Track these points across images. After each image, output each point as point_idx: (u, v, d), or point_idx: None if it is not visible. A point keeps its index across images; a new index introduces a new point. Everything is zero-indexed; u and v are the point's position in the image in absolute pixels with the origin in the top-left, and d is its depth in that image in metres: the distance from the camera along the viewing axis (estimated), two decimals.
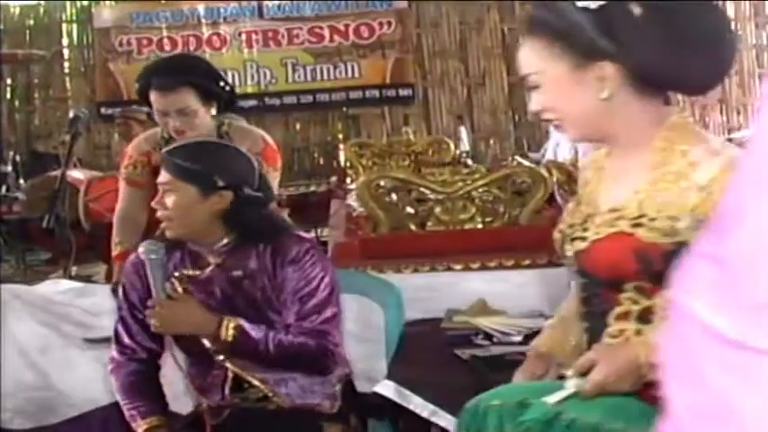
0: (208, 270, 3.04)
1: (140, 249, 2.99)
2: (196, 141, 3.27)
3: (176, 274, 3.05)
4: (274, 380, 3.08)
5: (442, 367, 3.26)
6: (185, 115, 3.93)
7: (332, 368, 3.12)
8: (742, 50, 10.47)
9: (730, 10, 10.42)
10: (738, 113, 10.50)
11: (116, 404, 3.73)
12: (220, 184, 2.95)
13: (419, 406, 3.04)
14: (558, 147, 5.82)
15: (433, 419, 3.04)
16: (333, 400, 3.17)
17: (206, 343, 2.98)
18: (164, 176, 2.97)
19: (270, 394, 3.07)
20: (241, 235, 3.02)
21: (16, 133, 10.71)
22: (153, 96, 3.97)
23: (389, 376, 3.14)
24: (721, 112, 10.53)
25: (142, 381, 3.14)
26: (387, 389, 3.07)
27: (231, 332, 2.91)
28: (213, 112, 4.03)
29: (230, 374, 3.06)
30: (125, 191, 4.19)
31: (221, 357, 3.02)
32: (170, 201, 2.95)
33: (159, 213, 3.02)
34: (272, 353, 2.97)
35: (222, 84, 4.05)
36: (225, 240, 3.02)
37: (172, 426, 3.11)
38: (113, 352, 3.16)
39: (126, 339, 3.13)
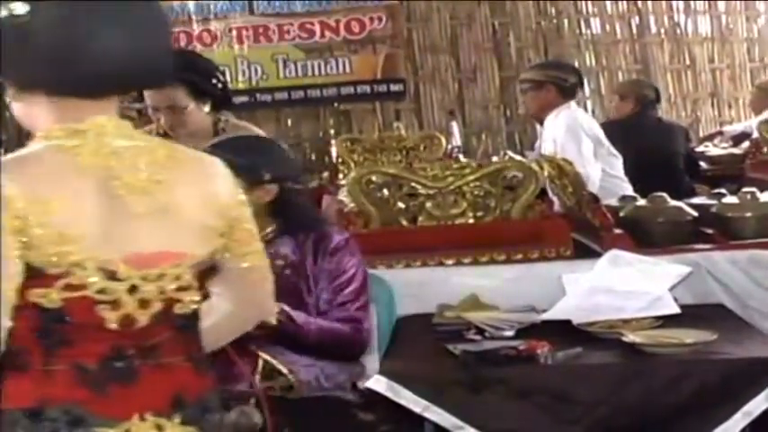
0: None
1: None
2: (237, 137, 3.40)
3: None
4: (303, 366, 3.12)
5: (433, 362, 3.27)
6: (175, 112, 3.94)
7: (362, 354, 3.21)
8: (733, 44, 10.49)
9: (722, 4, 10.44)
10: (730, 107, 10.48)
11: None
12: (266, 177, 3.04)
13: (411, 401, 3.05)
14: (545, 144, 5.82)
15: (425, 414, 3.04)
16: (349, 391, 3.23)
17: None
18: None
19: (295, 384, 3.11)
20: (284, 225, 3.12)
21: (8, 130, 10.65)
22: (144, 92, 3.98)
23: (381, 371, 3.15)
24: (713, 106, 10.51)
25: None
26: (379, 384, 3.07)
27: (276, 317, 2.97)
28: (206, 109, 4.02)
29: (260, 362, 3.11)
30: None
31: (253, 346, 3.06)
32: None
33: None
34: (313, 337, 3.07)
35: (215, 81, 4.04)
36: (268, 230, 3.10)
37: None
38: None
39: None
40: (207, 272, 2.05)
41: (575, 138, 5.61)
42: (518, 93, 9.83)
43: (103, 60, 1.91)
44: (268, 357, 3.12)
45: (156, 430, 1.93)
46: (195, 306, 2.01)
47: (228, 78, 9.90)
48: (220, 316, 2.19)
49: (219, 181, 2.07)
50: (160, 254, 1.93)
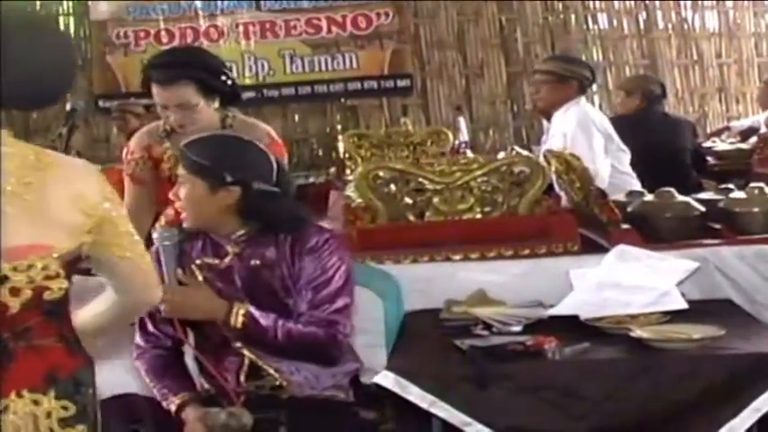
0: (227, 259, 3.09)
1: (154, 235, 3.06)
2: (211, 135, 3.33)
3: (197, 262, 3.10)
4: (288, 368, 3.11)
5: (441, 358, 3.27)
6: (185, 109, 3.94)
7: (339, 359, 3.15)
8: (741, 39, 10.47)
9: None
10: (737, 102, 10.48)
11: (115, 397, 3.74)
12: (228, 179, 3.01)
13: (418, 396, 3.05)
14: (553, 139, 5.80)
15: (432, 410, 3.04)
16: (344, 391, 3.21)
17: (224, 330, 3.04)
18: (180, 169, 3.10)
19: (284, 383, 3.10)
20: (259, 226, 3.08)
21: (14, 127, 10.67)
22: (154, 89, 3.99)
23: (389, 367, 3.14)
24: (720, 101, 10.50)
25: (169, 363, 3.23)
26: (386, 379, 3.07)
27: (241, 319, 2.98)
28: (215, 105, 4.02)
29: (246, 361, 3.11)
30: (130, 188, 4.23)
31: (239, 344, 3.06)
32: (182, 193, 3.07)
33: (176, 204, 3.08)
34: (281, 340, 3.02)
35: (224, 78, 4.04)
36: (242, 231, 3.10)
37: (202, 399, 3.15)
38: (138, 339, 3.22)
39: (150, 327, 3.19)
40: (75, 261, 2.25)
41: (586, 133, 5.59)
42: (525, 87, 9.89)
43: None
44: (252, 357, 3.11)
45: (33, 405, 2.16)
46: (63, 293, 2.20)
47: (235, 74, 9.92)
48: (110, 302, 2.45)
49: (86, 182, 2.25)
50: (29, 247, 2.13)
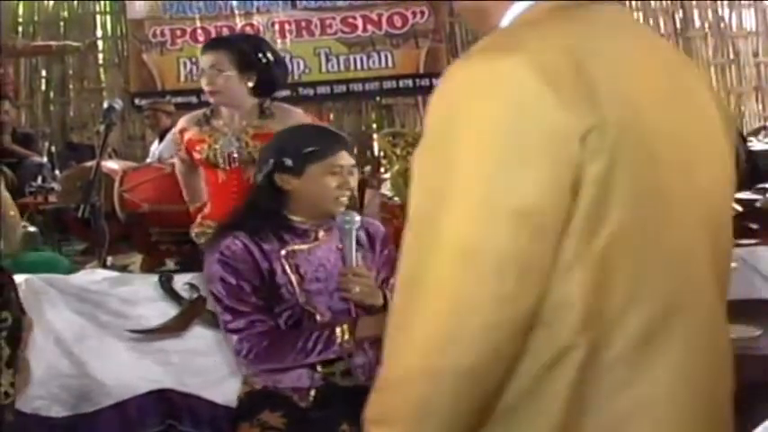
0: (314, 243, 3.14)
1: (338, 219, 3.10)
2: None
3: (286, 250, 3.12)
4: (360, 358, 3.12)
5: None
6: (217, 74, 4.03)
7: None
8: None
9: None
10: None
11: (151, 392, 3.77)
12: None
13: None
14: None
15: None
16: None
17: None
18: (347, 159, 3.20)
19: (351, 368, 3.11)
20: None
21: (51, 124, 10.77)
22: (200, 56, 4.27)
23: None
24: (757, 100, 10.44)
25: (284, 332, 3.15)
26: None
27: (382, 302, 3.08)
28: (250, 84, 4.08)
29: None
30: (176, 160, 4.52)
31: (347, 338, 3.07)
32: (353, 181, 3.21)
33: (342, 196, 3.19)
34: None
35: (260, 55, 4.12)
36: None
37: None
38: (239, 333, 3.11)
39: (254, 314, 3.08)
40: None
41: None
42: None
43: None
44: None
45: None
46: None
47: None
48: None
49: None
50: None
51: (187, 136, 4.17)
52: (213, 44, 4.30)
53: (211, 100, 4.12)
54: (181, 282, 3.87)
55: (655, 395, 1.39)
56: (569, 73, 1.29)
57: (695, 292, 1.44)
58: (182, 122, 4.28)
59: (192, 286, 3.79)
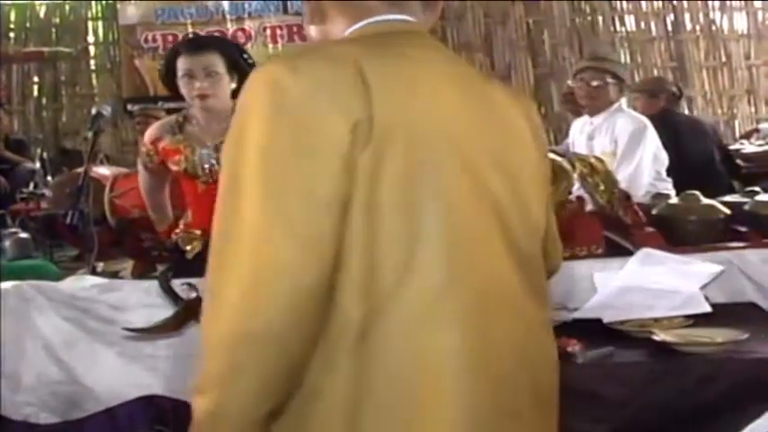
0: None
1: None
2: None
3: None
4: None
5: None
6: (211, 76, 4.02)
7: None
8: None
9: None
10: (766, 104, 10.43)
11: (141, 399, 3.76)
12: None
13: None
14: (573, 145, 5.77)
15: None
16: None
17: None
18: None
19: None
20: None
21: (44, 130, 10.76)
22: (181, 62, 4.12)
23: None
24: (749, 103, 10.45)
25: None
26: None
27: None
28: (233, 86, 4.09)
29: None
30: (142, 173, 4.43)
31: None
32: None
33: None
34: None
35: (246, 56, 4.14)
36: None
37: None
38: None
39: None
40: None
41: (643, 143, 5.51)
42: (552, 89, 9.88)
43: None
44: None
45: None
46: None
47: None
48: None
49: None
50: None
51: (161, 145, 4.15)
52: (202, 45, 4.24)
53: (197, 104, 4.09)
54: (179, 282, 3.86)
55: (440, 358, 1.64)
56: (347, 79, 1.61)
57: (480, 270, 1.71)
58: (153, 132, 4.25)
59: (191, 286, 3.78)
